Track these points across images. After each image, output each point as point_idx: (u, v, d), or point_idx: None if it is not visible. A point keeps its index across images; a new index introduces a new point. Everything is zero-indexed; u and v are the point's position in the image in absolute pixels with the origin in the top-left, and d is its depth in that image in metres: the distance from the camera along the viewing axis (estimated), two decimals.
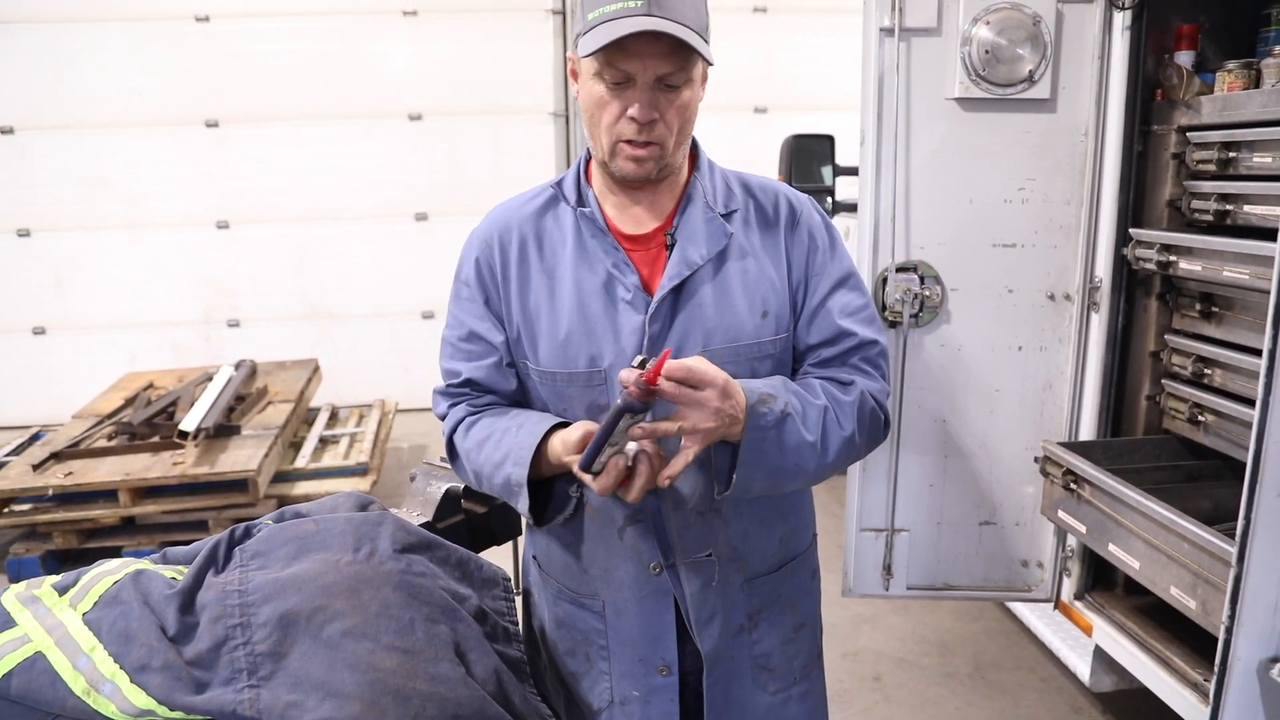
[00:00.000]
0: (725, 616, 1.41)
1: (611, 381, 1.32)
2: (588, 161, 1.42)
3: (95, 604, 1.20)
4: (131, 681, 1.11)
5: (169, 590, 1.21)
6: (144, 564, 1.29)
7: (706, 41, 1.27)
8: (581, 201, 1.38)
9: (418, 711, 1.12)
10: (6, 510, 3.72)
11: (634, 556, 1.39)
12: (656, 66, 1.22)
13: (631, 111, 1.25)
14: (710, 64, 1.30)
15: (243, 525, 1.35)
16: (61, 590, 1.25)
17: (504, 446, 1.35)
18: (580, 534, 1.43)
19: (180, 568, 1.32)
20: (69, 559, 3.79)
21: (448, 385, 1.46)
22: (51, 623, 1.18)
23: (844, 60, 5.99)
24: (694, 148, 1.42)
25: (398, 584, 1.25)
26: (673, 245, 1.34)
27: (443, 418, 1.47)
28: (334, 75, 5.83)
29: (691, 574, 1.39)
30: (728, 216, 1.37)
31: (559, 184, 1.42)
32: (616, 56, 1.22)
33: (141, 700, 1.10)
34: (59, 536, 3.74)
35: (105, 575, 1.25)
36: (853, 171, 3.58)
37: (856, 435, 1.33)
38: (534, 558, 1.55)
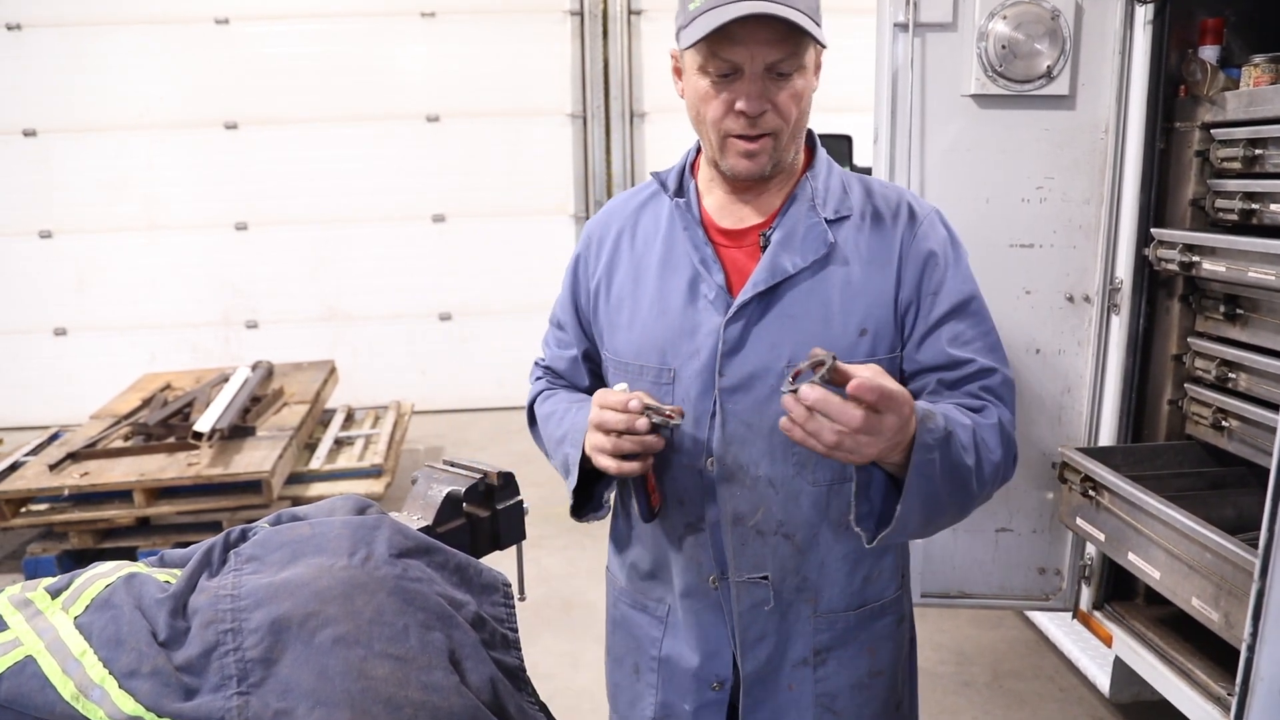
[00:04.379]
0: (781, 643, 1.33)
1: (680, 381, 1.26)
2: (698, 152, 1.35)
3: (87, 607, 1.19)
4: (120, 687, 1.09)
5: (161, 594, 1.19)
6: (138, 567, 1.28)
7: (818, 24, 1.16)
8: (680, 192, 1.32)
9: None
10: (24, 510, 3.75)
11: (693, 567, 1.33)
12: (765, 54, 1.13)
13: (740, 104, 1.16)
14: (824, 46, 1.20)
15: (239, 528, 1.33)
16: (54, 593, 1.23)
17: (565, 424, 1.33)
18: (645, 537, 1.38)
19: (176, 571, 1.31)
20: (85, 559, 3.81)
21: (538, 359, 1.51)
22: (43, 626, 1.17)
23: (862, 61, 5.96)
24: (812, 145, 1.33)
25: (392, 590, 1.22)
26: (766, 247, 1.25)
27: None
28: (352, 77, 5.85)
29: (742, 593, 1.31)
30: (837, 222, 1.26)
31: (663, 175, 1.36)
32: (722, 45, 1.14)
33: (130, 706, 1.08)
34: (75, 536, 3.76)
35: (98, 578, 1.23)
36: (870, 171, 3.54)
37: (1004, 464, 1.19)
38: (609, 555, 1.52)
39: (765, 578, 1.29)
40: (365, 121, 5.93)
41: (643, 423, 1.16)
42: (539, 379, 1.50)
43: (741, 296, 1.23)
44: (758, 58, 1.14)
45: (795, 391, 0.96)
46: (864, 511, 1.13)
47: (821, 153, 1.33)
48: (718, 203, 1.30)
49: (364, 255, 6.04)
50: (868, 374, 0.99)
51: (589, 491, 1.35)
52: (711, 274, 1.25)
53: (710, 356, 1.23)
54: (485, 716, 1.20)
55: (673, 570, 1.36)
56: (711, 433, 1.25)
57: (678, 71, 1.26)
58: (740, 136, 1.19)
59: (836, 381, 0.96)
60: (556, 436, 1.34)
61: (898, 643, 1.40)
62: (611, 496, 1.35)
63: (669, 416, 1.19)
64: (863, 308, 1.24)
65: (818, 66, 1.24)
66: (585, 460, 1.26)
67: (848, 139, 3.61)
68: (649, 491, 1.29)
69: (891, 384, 1.00)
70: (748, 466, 1.25)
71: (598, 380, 1.44)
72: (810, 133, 1.31)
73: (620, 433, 1.17)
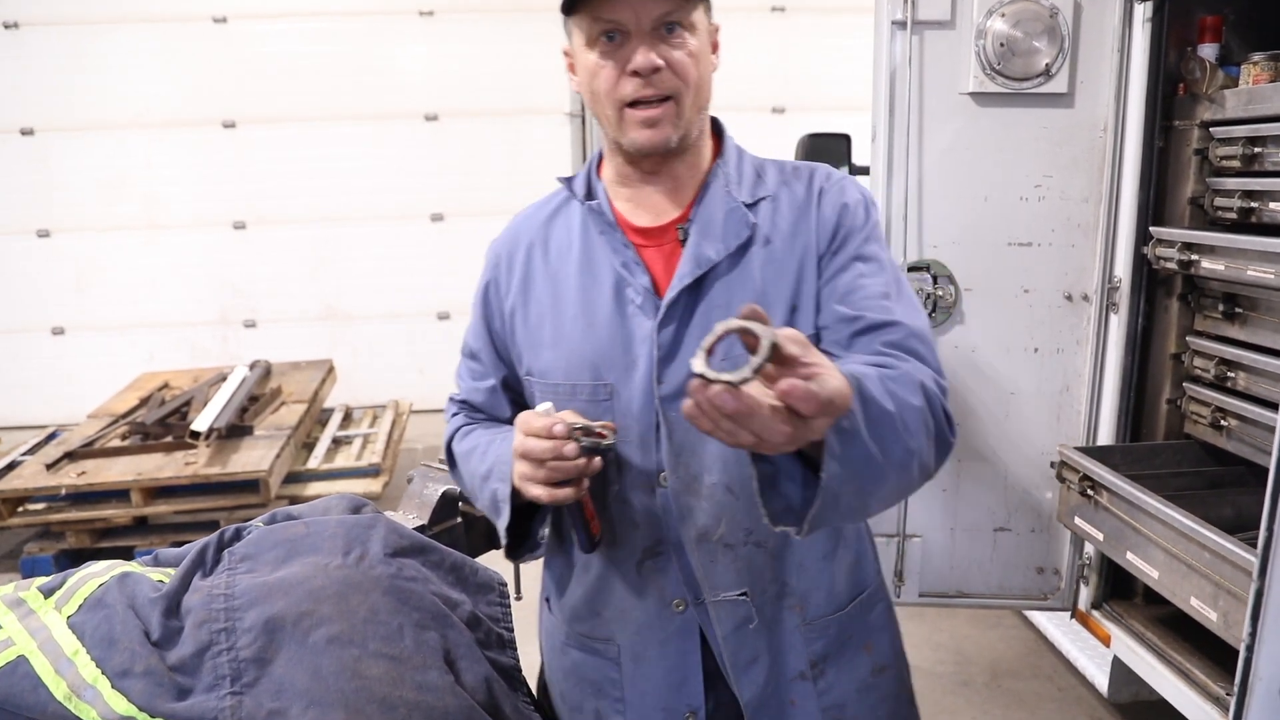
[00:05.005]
0: (775, 661, 1.24)
1: (619, 396, 1.18)
2: (601, 157, 1.29)
3: (80, 607, 1.18)
4: (113, 687, 1.09)
5: (154, 594, 1.18)
6: (131, 566, 1.27)
7: None
8: (590, 195, 1.25)
9: None
10: (21, 509, 3.74)
11: (655, 593, 1.23)
12: (650, 8, 1.09)
13: (632, 64, 1.10)
14: (709, 4, 1.16)
15: (233, 527, 1.33)
16: (47, 592, 1.23)
17: (489, 458, 1.23)
18: (593, 570, 1.27)
19: (170, 570, 1.30)
20: (82, 558, 3.77)
21: (452, 394, 1.40)
22: (35, 625, 1.16)
23: (862, 60, 5.95)
24: (719, 132, 1.27)
25: (387, 589, 1.22)
26: (686, 240, 1.18)
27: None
28: (351, 76, 5.84)
29: (722, 614, 1.21)
30: (754, 205, 1.20)
31: (570, 180, 1.29)
32: (602, 7, 1.09)
33: (122, 706, 1.07)
34: (72, 536, 3.76)
35: (92, 577, 1.23)
36: (869, 171, 3.54)
37: (928, 415, 1.01)
38: (546, 599, 1.40)
39: (744, 594, 1.20)
40: (364, 121, 5.92)
41: (572, 448, 1.07)
42: (455, 415, 1.38)
43: (669, 294, 1.15)
44: (643, 14, 1.09)
45: (705, 379, 0.75)
46: (780, 508, 0.94)
47: (730, 139, 1.27)
48: (629, 201, 1.23)
49: (363, 255, 6.04)
50: (805, 364, 0.80)
51: (525, 527, 1.24)
52: (635, 276, 1.18)
53: (649, 365, 1.15)
54: (480, 716, 1.19)
55: (626, 603, 1.25)
56: (660, 446, 1.17)
57: (571, 67, 1.21)
58: (638, 103, 1.12)
59: (773, 362, 0.78)
60: (480, 473, 1.24)
61: (892, 632, 1.34)
62: (546, 532, 1.24)
63: (600, 435, 1.10)
64: (790, 283, 1.17)
65: (715, 45, 1.19)
66: (516, 494, 1.17)
67: (846, 138, 3.60)
68: (587, 519, 1.18)
69: (831, 384, 0.80)
70: (702, 476, 1.17)
71: (519, 409, 1.29)
72: (716, 120, 1.26)
73: (549, 461, 1.08)
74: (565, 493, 1.10)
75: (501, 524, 1.20)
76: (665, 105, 1.12)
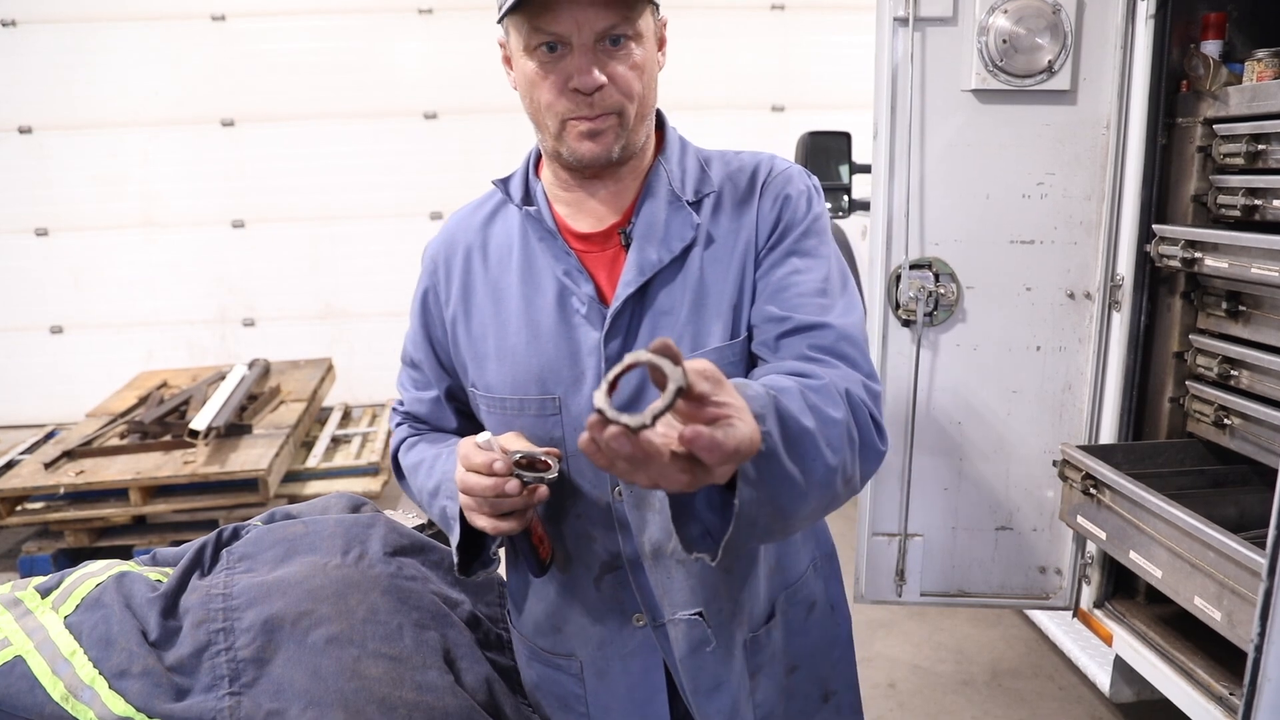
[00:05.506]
0: (735, 686, 1.19)
1: (567, 411, 1.13)
2: (540, 155, 1.23)
3: (77, 607, 1.18)
4: (110, 688, 1.08)
5: (152, 593, 1.18)
6: (128, 566, 1.26)
7: None
8: (528, 199, 1.19)
9: None
10: (19, 509, 3.72)
11: (615, 608, 1.19)
12: (592, 20, 1.01)
13: (573, 82, 1.03)
14: (659, 9, 1.10)
15: (231, 526, 1.32)
16: (44, 592, 1.22)
17: (436, 473, 1.19)
18: (551, 586, 1.23)
19: (168, 569, 1.29)
20: (81, 557, 3.77)
21: (396, 404, 1.35)
22: (33, 626, 1.16)
23: (863, 58, 5.94)
24: (661, 127, 1.21)
25: (386, 588, 1.21)
26: (629, 244, 1.13)
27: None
28: (349, 74, 5.82)
29: (679, 635, 1.17)
30: (698, 203, 1.15)
31: (506, 182, 1.22)
32: (542, 17, 1.02)
33: (120, 707, 1.07)
34: (70, 535, 3.74)
35: (89, 577, 1.22)
36: (870, 170, 3.53)
37: (851, 425, 0.97)
38: (507, 611, 1.36)
39: (699, 614, 1.16)
40: (362, 118, 5.90)
41: (513, 485, 1.02)
42: (399, 425, 1.34)
43: (615, 304, 1.11)
44: (584, 26, 1.02)
45: (604, 417, 0.69)
46: (695, 534, 0.89)
47: (673, 132, 1.21)
48: (569, 206, 1.18)
49: (361, 252, 6.02)
50: (715, 403, 0.74)
51: (479, 542, 1.19)
52: (579, 285, 1.13)
53: (597, 377, 1.11)
54: (481, 717, 1.19)
55: (587, 618, 1.21)
56: None
57: (507, 61, 1.14)
58: (579, 118, 1.06)
59: (683, 398, 0.73)
60: (429, 489, 1.20)
61: (806, 633, 1.28)
62: (499, 549, 1.22)
63: (544, 466, 1.06)
64: (733, 283, 1.12)
65: (662, 41, 1.13)
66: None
67: (846, 136, 3.59)
68: (535, 545, 1.15)
69: (739, 433, 0.74)
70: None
71: (466, 419, 1.29)
72: (659, 113, 1.19)
73: (490, 498, 1.03)
74: (510, 525, 1.06)
75: (453, 541, 1.15)
76: (608, 119, 1.07)
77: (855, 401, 0.99)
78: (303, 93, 5.80)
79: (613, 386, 0.72)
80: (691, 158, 1.19)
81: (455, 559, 1.15)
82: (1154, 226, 2.06)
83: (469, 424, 1.28)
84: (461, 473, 1.05)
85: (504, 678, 1.28)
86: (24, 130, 5.69)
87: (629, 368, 0.73)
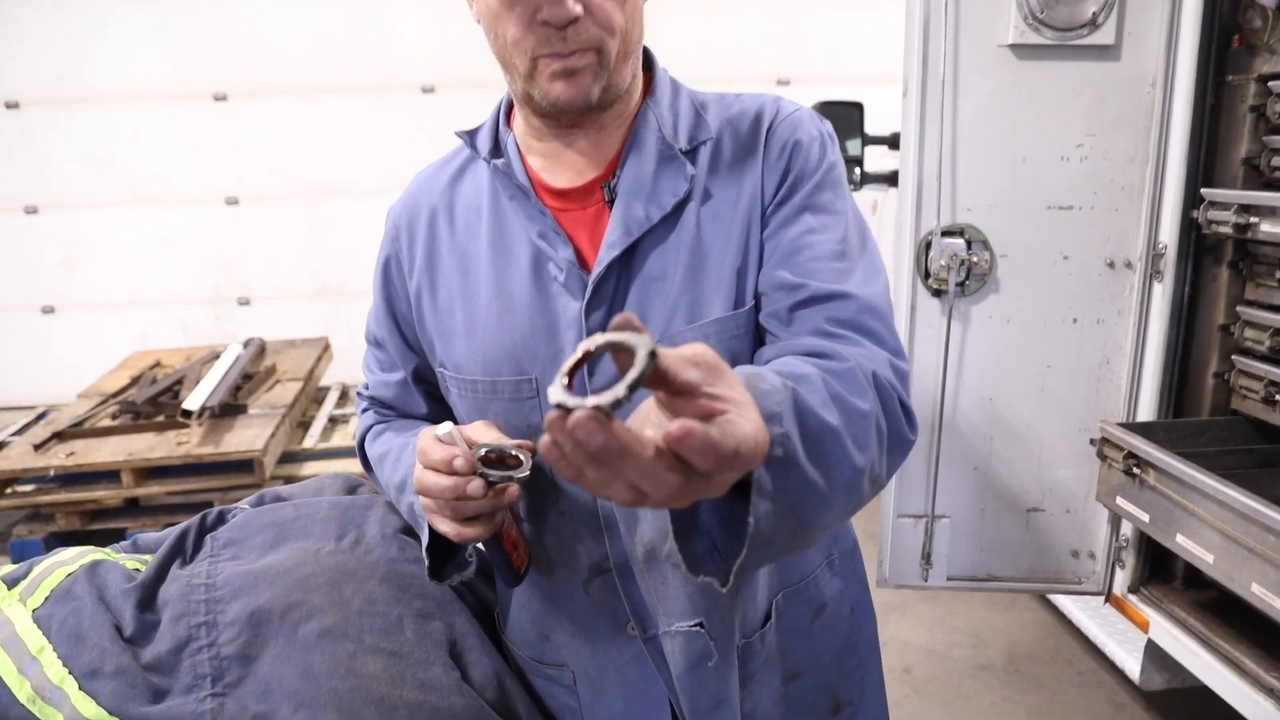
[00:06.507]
0: (733, 702, 1.07)
1: (545, 394, 0.99)
2: (511, 103, 1.08)
3: (46, 599, 1.06)
4: (81, 688, 0.97)
5: (128, 584, 1.06)
6: (104, 554, 1.15)
7: None
8: (498, 151, 1.05)
9: None
10: (9, 491, 3.63)
11: (606, 614, 1.07)
12: None
13: (542, 14, 0.88)
14: None
15: (215, 510, 1.21)
16: (11, 583, 1.11)
17: (402, 466, 1.07)
18: (535, 591, 1.11)
19: (148, 557, 1.18)
20: (74, 541, 3.70)
21: (361, 388, 1.22)
22: None
23: (872, 31, 5.80)
24: (649, 67, 1.06)
25: (385, 575, 1.10)
26: (613, 200, 0.99)
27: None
28: (344, 47, 5.70)
29: (676, 649, 1.03)
30: (693, 152, 1.00)
31: (473, 133, 1.08)
32: None
33: (91, 710, 0.96)
34: (62, 518, 3.65)
35: (59, 566, 1.11)
36: (883, 141, 3.41)
37: (880, 414, 0.83)
38: (496, 615, 1.24)
39: (699, 625, 1.02)
40: (358, 93, 5.76)
41: (476, 486, 0.88)
42: (365, 411, 1.21)
43: (597, 269, 0.96)
44: None
45: (565, 410, 0.54)
46: (701, 551, 0.73)
47: (663, 73, 1.06)
48: (544, 158, 1.03)
49: (358, 230, 5.89)
50: (710, 395, 0.59)
51: (451, 545, 1.05)
52: (556, 249, 0.98)
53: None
54: (489, 718, 1.07)
55: (576, 626, 1.09)
56: None
57: None
58: (552, 55, 0.91)
59: (666, 389, 0.59)
60: (395, 483, 1.09)
61: (810, 637, 1.14)
62: (474, 552, 1.08)
63: (514, 463, 0.92)
64: (737, 244, 0.98)
65: None
66: None
67: (859, 107, 3.46)
68: (507, 552, 1.02)
69: (741, 430, 0.57)
70: None
71: (436, 403, 1.16)
72: (646, 51, 1.05)
73: (451, 500, 0.91)
74: (475, 531, 0.93)
75: (422, 543, 1.02)
76: (585, 54, 0.91)
77: (883, 386, 0.84)
78: (297, 66, 5.67)
79: (570, 378, 0.58)
80: (685, 101, 1.04)
81: (426, 562, 1.02)
82: (1203, 190, 1.94)
83: (440, 408, 1.15)
84: (419, 470, 0.92)
85: (517, 672, 1.17)
86: (11, 105, 5.57)
87: (585, 357, 0.58)
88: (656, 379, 0.56)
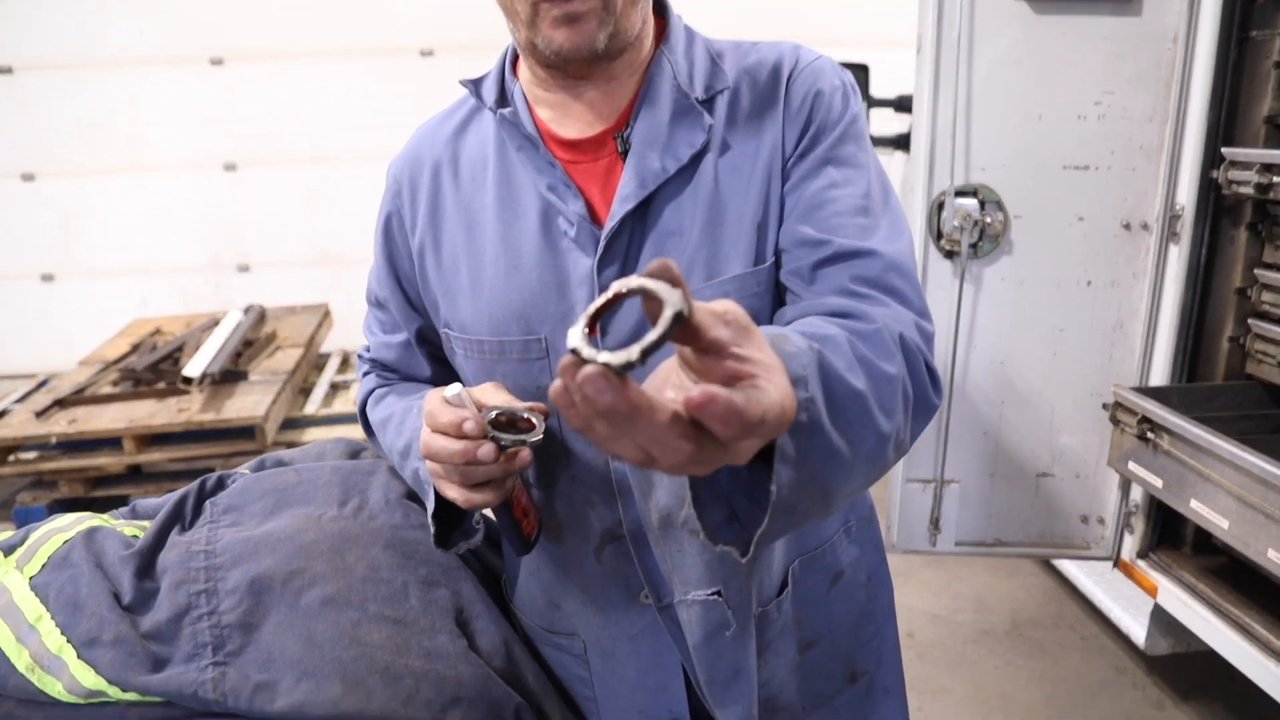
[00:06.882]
0: (750, 672, 1.04)
1: (555, 354, 0.96)
2: (517, 53, 1.03)
3: (43, 566, 1.04)
4: (79, 657, 0.95)
5: (126, 551, 1.04)
6: (101, 520, 1.13)
7: None
8: (504, 101, 1.00)
9: (409, 693, 0.96)
10: (11, 458, 3.62)
11: (619, 582, 1.03)
12: None
13: None
14: None
15: (215, 475, 1.18)
16: (8, 550, 1.09)
17: (406, 431, 1.03)
18: (545, 558, 1.08)
19: (146, 524, 1.16)
20: (77, 508, 3.70)
21: (362, 350, 1.19)
22: None
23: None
24: (661, 12, 1.01)
25: (389, 542, 1.07)
26: (627, 151, 0.95)
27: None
28: (341, 10, 5.60)
29: (693, 618, 0.99)
30: (710, 101, 0.96)
31: (478, 83, 1.03)
32: None
33: (90, 679, 0.94)
34: (65, 485, 3.65)
35: (56, 533, 1.09)
36: (888, 104, 3.35)
37: (907, 382, 0.79)
38: (503, 582, 1.21)
39: (717, 593, 0.98)
40: (356, 56, 5.67)
41: (487, 450, 0.85)
42: (366, 374, 1.18)
43: (610, 223, 0.92)
44: None
45: (579, 358, 0.51)
46: (719, 519, 0.70)
47: (676, 19, 1.01)
48: (553, 108, 0.98)
49: (357, 195, 5.84)
50: (737, 356, 0.55)
51: (459, 509, 1.01)
52: (566, 202, 0.94)
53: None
54: (496, 686, 1.05)
55: (588, 594, 1.06)
56: None
57: None
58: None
59: (691, 345, 0.55)
60: (399, 448, 1.05)
61: (827, 604, 1.11)
62: (480, 519, 1.05)
63: (526, 425, 0.88)
64: (757, 195, 0.93)
65: None
66: None
67: (864, 69, 3.40)
68: (517, 519, 0.98)
69: (768, 397, 0.54)
70: None
71: (441, 365, 1.13)
72: None
73: (460, 465, 0.87)
74: (485, 497, 0.89)
75: (428, 510, 0.98)
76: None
77: (909, 349, 0.81)
78: (293, 29, 5.57)
79: (594, 323, 0.55)
80: (700, 49, 1.00)
81: (432, 529, 0.98)
82: (1223, 150, 1.89)
83: (444, 371, 1.12)
84: (426, 434, 0.88)
85: (525, 640, 1.15)
86: (4, 70, 5.49)
87: (615, 299, 0.55)
88: (685, 334, 0.53)
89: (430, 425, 0.88)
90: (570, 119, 0.97)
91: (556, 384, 0.52)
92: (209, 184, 5.76)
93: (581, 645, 1.09)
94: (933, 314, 0.90)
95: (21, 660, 0.96)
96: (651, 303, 0.52)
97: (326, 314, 5.05)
